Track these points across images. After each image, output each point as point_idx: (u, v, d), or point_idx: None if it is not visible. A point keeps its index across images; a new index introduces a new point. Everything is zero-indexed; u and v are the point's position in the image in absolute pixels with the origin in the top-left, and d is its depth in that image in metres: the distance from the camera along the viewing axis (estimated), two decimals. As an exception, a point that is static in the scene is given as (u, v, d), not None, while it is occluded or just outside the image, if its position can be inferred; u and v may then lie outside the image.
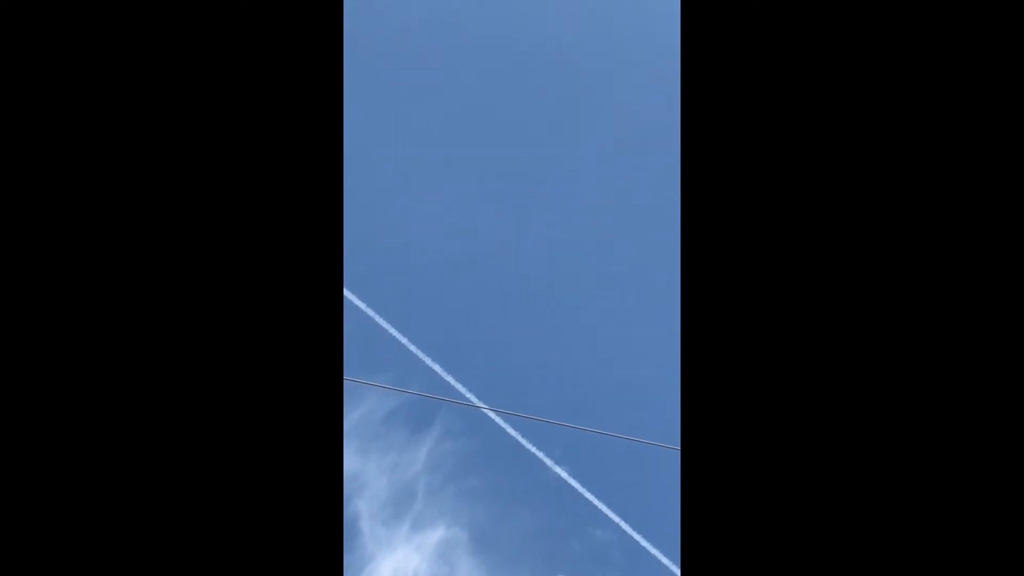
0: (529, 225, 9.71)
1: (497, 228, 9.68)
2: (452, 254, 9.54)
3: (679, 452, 2.83)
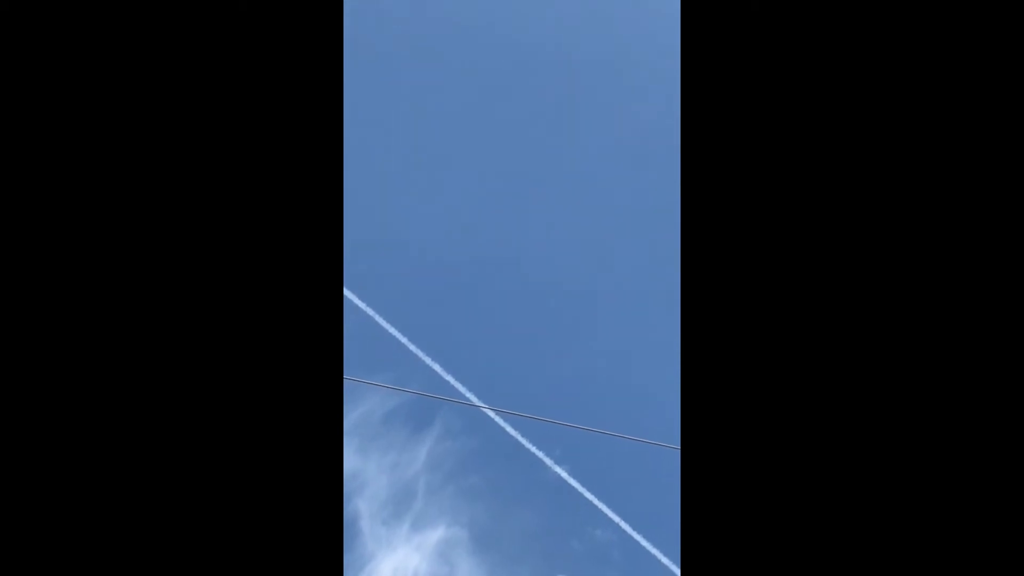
0: (529, 225, 9.71)
1: (497, 228, 9.68)
2: (452, 254, 9.54)
3: (679, 452, 2.83)
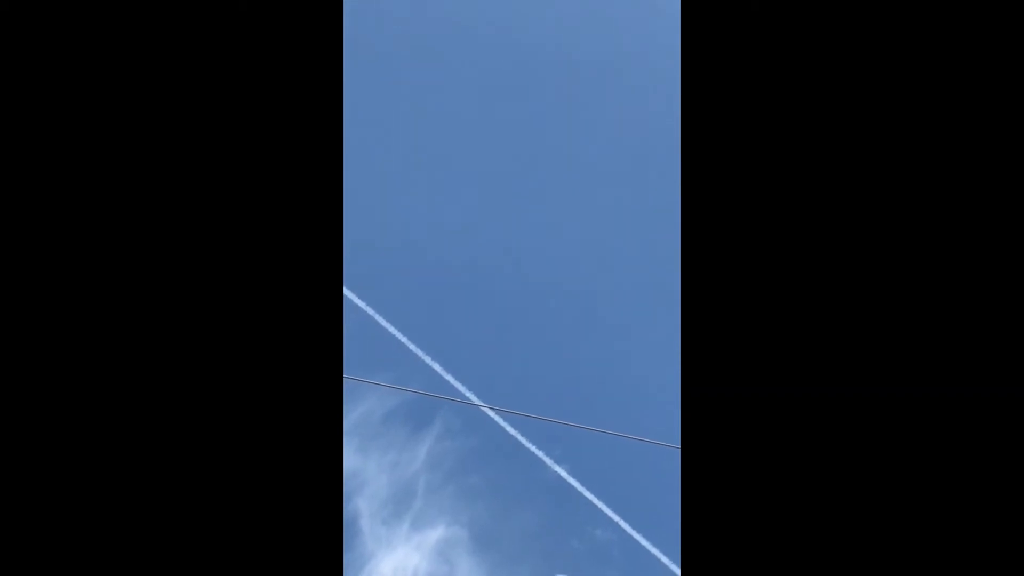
0: (529, 224, 9.70)
1: (497, 227, 9.67)
2: (452, 253, 9.53)
3: (679, 451, 2.83)
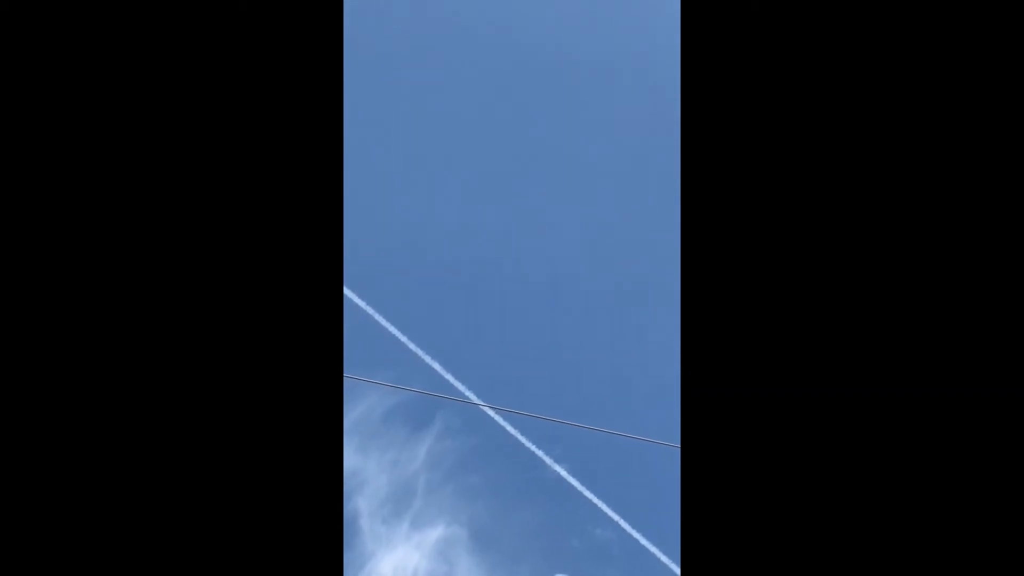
0: (528, 224, 9.70)
1: (497, 227, 9.67)
2: (452, 253, 9.53)
3: (679, 450, 2.83)
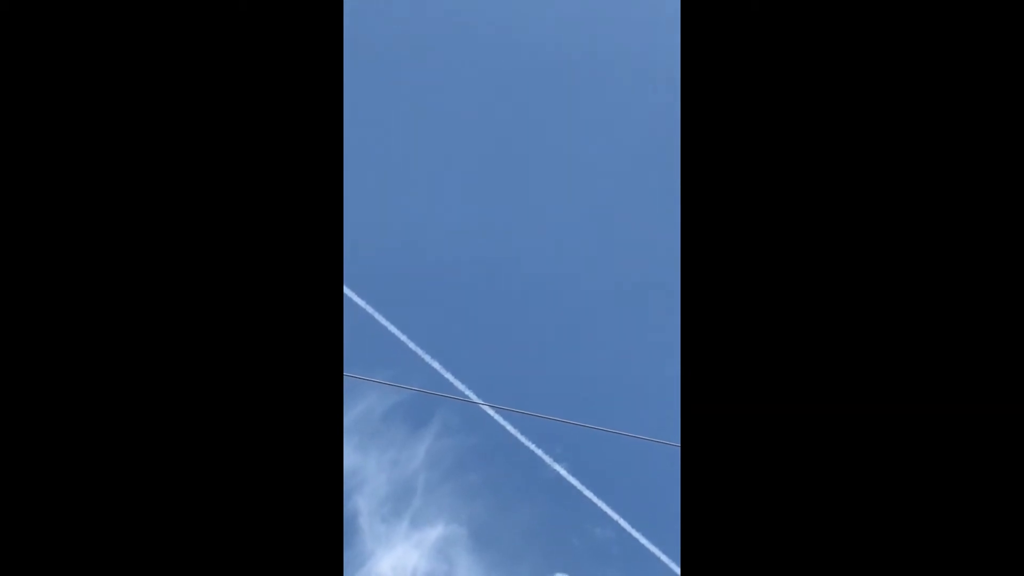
0: (528, 223, 9.71)
1: (496, 226, 9.68)
2: (451, 252, 9.54)
3: (679, 449, 2.83)
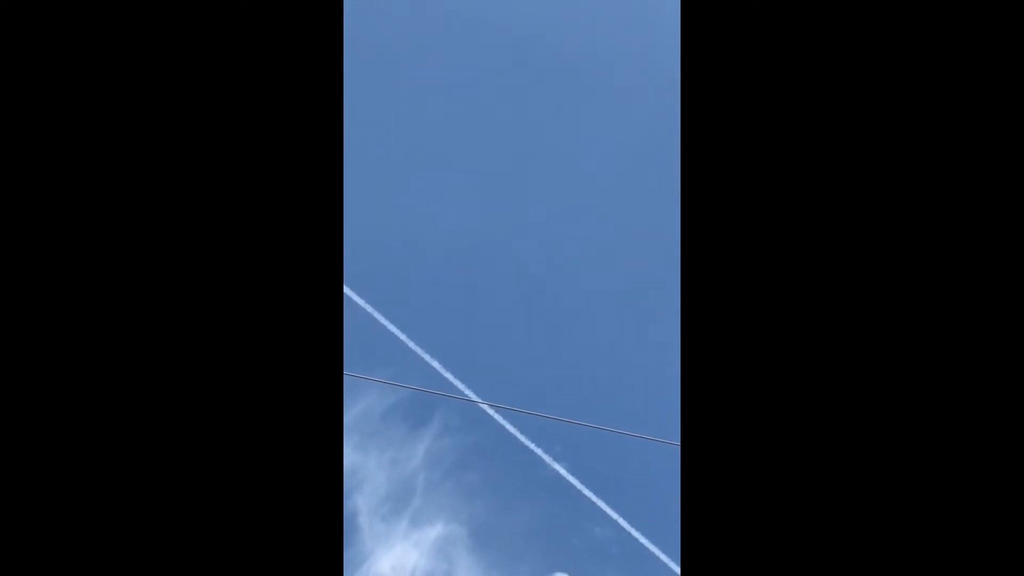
0: (527, 222, 9.71)
1: (496, 225, 9.68)
2: (451, 251, 9.54)
3: (679, 448, 2.83)
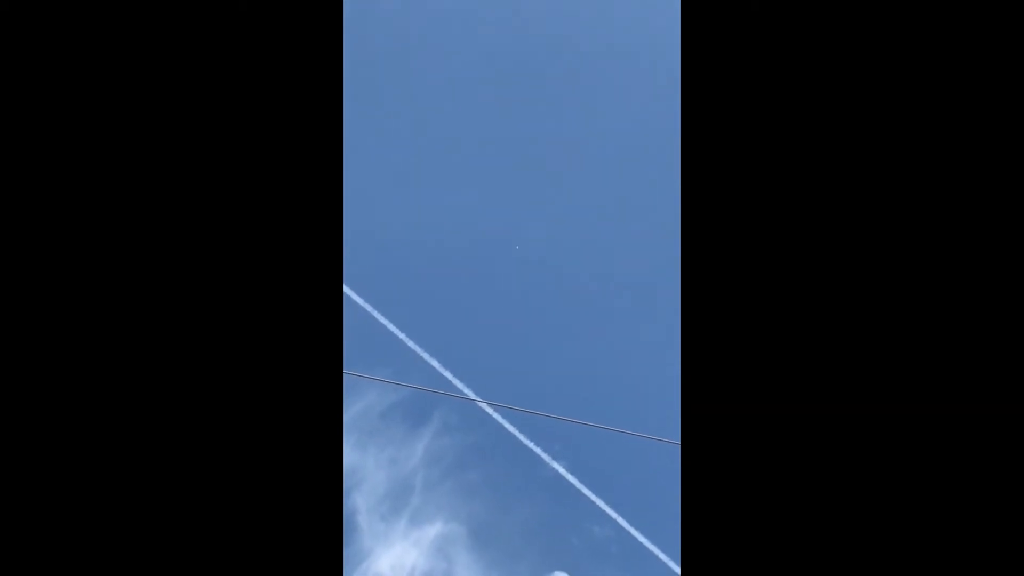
0: (527, 221, 9.72)
1: (495, 225, 9.69)
2: (450, 251, 9.55)
3: (679, 447, 2.84)
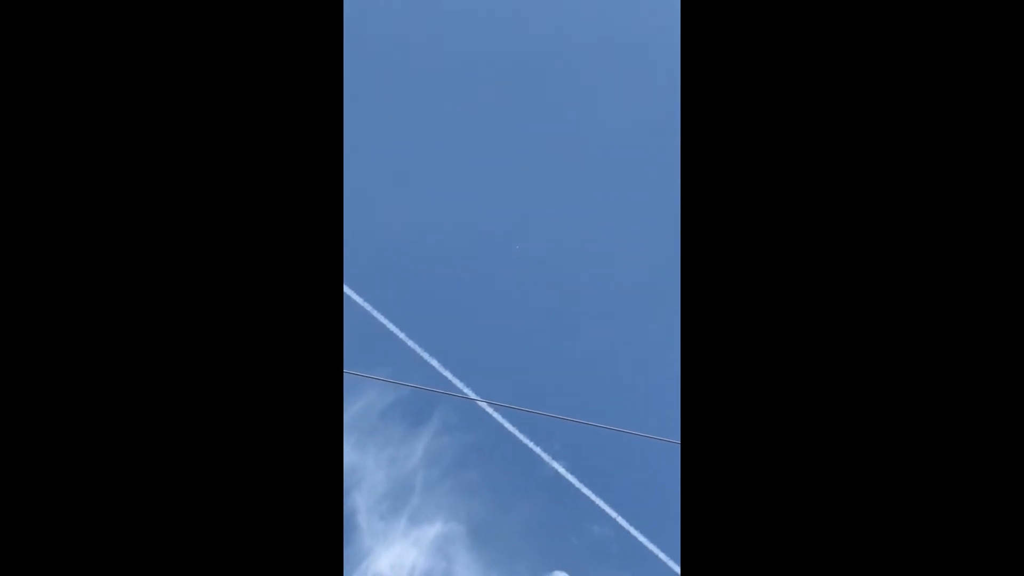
0: (527, 221, 9.72)
1: (495, 224, 9.69)
2: (450, 250, 9.55)
3: (678, 447, 2.84)
